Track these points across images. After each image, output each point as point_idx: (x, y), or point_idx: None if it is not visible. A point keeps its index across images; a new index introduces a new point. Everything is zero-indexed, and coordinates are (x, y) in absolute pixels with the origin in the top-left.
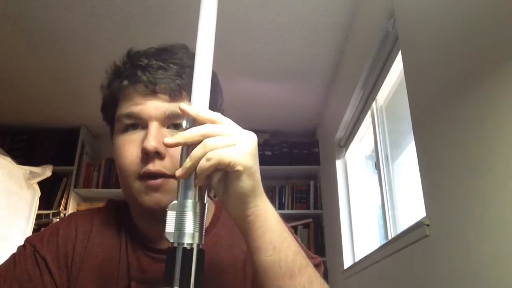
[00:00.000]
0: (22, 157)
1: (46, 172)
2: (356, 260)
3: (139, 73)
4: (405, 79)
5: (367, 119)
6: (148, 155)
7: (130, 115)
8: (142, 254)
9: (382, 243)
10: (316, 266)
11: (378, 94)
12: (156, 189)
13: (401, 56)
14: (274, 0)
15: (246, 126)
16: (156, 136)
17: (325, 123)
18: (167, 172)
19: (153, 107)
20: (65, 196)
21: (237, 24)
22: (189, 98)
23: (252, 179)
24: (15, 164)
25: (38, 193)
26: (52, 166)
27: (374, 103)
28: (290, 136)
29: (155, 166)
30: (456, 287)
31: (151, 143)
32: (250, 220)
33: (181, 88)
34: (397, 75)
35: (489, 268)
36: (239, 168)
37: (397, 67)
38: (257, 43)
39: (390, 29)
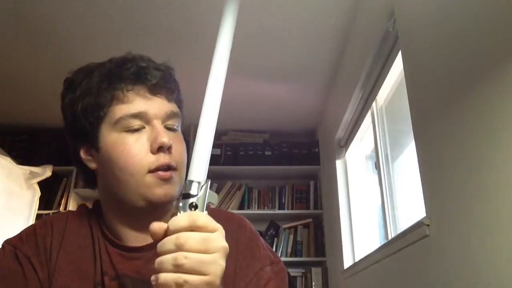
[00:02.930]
0: (22, 157)
1: (46, 172)
2: (356, 260)
3: (146, 75)
4: (405, 79)
5: (367, 119)
6: (160, 149)
7: (136, 115)
8: (113, 252)
9: (382, 243)
10: (277, 272)
11: (378, 94)
12: (167, 180)
13: (401, 56)
14: (274, 0)
15: (246, 126)
16: (165, 132)
17: (325, 123)
18: (174, 164)
19: (157, 106)
20: (65, 196)
21: (237, 24)
22: (175, 100)
23: None
24: (15, 164)
25: (38, 193)
26: (52, 166)
27: (374, 103)
28: (290, 136)
29: (166, 158)
30: (456, 287)
31: (167, 138)
32: None
33: (175, 89)
34: (397, 75)
35: (489, 268)
36: None
37: (397, 67)
38: (257, 43)
39: (390, 29)
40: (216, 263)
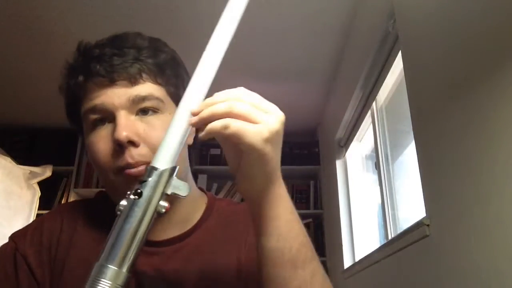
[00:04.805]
0: (22, 157)
1: (46, 172)
2: (356, 260)
3: (92, 65)
4: (405, 79)
5: (367, 119)
6: (121, 147)
7: (94, 109)
8: None
9: (382, 243)
10: None
11: (378, 94)
12: (137, 177)
13: (401, 56)
14: (274, 0)
15: None
16: (126, 124)
17: (325, 123)
18: (147, 160)
19: (115, 95)
20: (65, 196)
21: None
22: (150, 80)
23: (266, 166)
24: (15, 164)
25: (38, 193)
26: (52, 166)
27: (374, 103)
28: (290, 136)
29: (133, 157)
30: (456, 287)
31: (123, 133)
32: (260, 204)
33: (140, 71)
34: (397, 75)
35: (489, 268)
36: (252, 153)
37: (397, 67)
38: (257, 43)
39: (390, 29)
40: (276, 114)
